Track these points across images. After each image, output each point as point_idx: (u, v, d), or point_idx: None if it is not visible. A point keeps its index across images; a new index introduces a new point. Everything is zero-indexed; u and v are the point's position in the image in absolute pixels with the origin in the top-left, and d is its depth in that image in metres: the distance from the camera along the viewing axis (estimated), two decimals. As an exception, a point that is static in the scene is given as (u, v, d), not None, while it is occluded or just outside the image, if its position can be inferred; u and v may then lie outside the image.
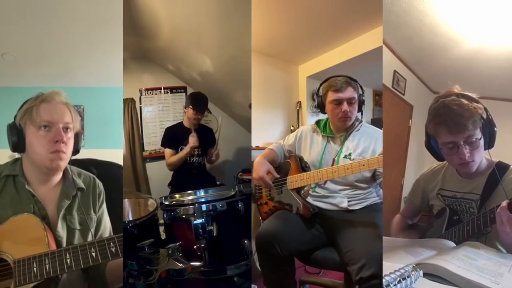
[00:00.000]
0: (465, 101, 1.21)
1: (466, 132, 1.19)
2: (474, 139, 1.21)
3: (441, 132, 1.24)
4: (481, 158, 1.29)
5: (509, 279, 0.89)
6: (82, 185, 1.30)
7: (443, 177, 1.45)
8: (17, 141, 1.20)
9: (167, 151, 2.44)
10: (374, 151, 1.50)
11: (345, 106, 1.52)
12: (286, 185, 1.63)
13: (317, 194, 1.60)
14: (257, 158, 1.69)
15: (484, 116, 1.22)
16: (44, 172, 1.22)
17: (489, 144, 1.25)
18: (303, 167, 1.61)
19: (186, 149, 2.35)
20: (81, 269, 1.10)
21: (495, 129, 1.24)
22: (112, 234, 1.34)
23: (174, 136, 2.45)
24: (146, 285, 1.24)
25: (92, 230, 1.28)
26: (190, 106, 2.38)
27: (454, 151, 1.24)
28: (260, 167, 1.61)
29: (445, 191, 1.43)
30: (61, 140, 1.19)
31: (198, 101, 2.43)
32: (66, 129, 1.22)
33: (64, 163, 1.23)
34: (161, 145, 2.51)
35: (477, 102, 1.23)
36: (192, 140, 2.33)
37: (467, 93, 1.25)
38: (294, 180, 1.60)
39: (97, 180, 1.36)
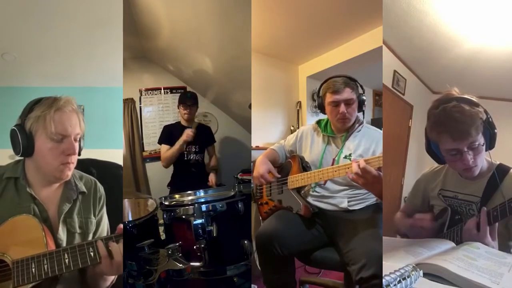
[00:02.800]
0: (466, 107, 1.20)
1: (470, 138, 1.20)
2: (477, 144, 1.21)
3: (444, 140, 1.24)
4: (483, 161, 1.29)
5: (509, 279, 0.89)
6: (83, 188, 1.29)
7: (444, 178, 1.45)
8: (27, 147, 1.17)
9: (163, 147, 2.46)
10: (375, 152, 1.50)
11: (342, 108, 1.51)
12: (287, 184, 1.63)
13: (317, 194, 1.60)
14: (259, 157, 1.70)
15: (484, 118, 1.21)
16: (50, 180, 1.22)
17: (489, 145, 1.25)
18: (304, 166, 1.61)
19: (179, 142, 2.36)
20: (79, 269, 1.10)
21: (495, 130, 1.24)
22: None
23: (170, 133, 2.47)
24: (145, 285, 1.24)
25: (91, 235, 1.27)
26: (179, 104, 2.47)
27: (457, 158, 1.25)
28: (261, 166, 1.63)
29: (446, 192, 1.43)
30: (73, 153, 1.20)
31: (184, 96, 2.51)
32: (76, 140, 1.22)
33: (71, 172, 1.23)
34: (158, 142, 2.53)
35: (477, 105, 1.22)
36: (186, 132, 2.34)
37: (467, 96, 1.24)
38: (295, 179, 1.60)
39: (98, 184, 1.35)
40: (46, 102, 1.19)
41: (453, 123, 1.20)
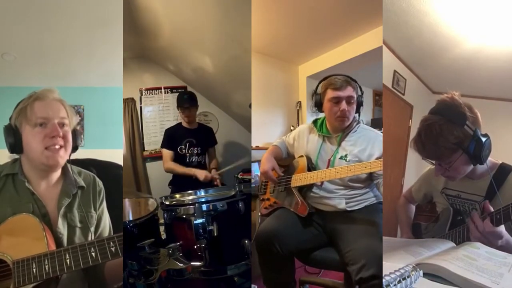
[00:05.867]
0: (439, 130, 1.19)
1: (439, 159, 1.24)
2: (450, 161, 1.22)
3: (418, 153, 1.28)
4: (463, 173, 1.29)
5: (509, 279, 0.89)
6: (82, 183, 1.29)
7: None
8: (14, 142, 1.19)
9: (165, 152, 2.45)
10: (370, 154, 1.49)
11: (343, 105, 1.50)
12: (290, 183, 1.64)
13: (316, 195, 1.59)
14: (265, 154, 1.72)
15: (467, 142, 1.18)
16: (42, 169, 1.22)
17: (478, 163, 1.22)
18: (310, 167, 1.61)
19: (191, 172, 2.36)
20: (81, 269, 1.10)
21: (483, 152, 1.19)
22: (112, 232, 1.35)
23: (172, 137, 2.47)
24: (146, 285, 1.24)
25: (93, 228, 1.27)
26: (178, 107, 2.46)
27: (437, 167, 1.29)
28: (266, 163, 1.65)
29: (449, 190, 1.43)
30: (58, 135, 1.18)
31: (181, 99, 2.47)
32: (62, 124, 1.20)
33: (62, 160, 1.22)
34: (161, 146, 2.52)
35: (463, 121, 1.18)
36: (202, 174, 2.33)
37: (459, 110, 1.20)
38: (298, 178, 1.60)
39: (97, 179, 1.35)
40: (27, 96, 1.22)
41: (420, 143, 1.24)
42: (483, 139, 1.19)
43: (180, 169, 2.39)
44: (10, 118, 1.22)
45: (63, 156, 1.22)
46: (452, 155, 1.20)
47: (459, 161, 1.22)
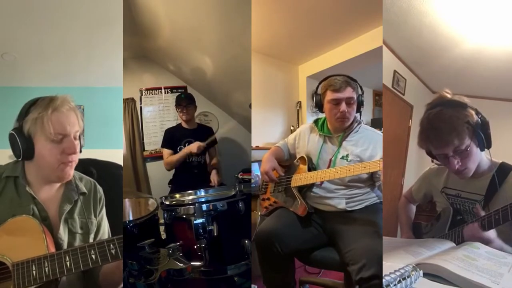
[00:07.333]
0: (448, 113, 1.20)
1: (451, 145, 1.20)
2: (463, 148, 1.20)
3: (428, 147, 1.27)
4: (477, 162, 1.28)
5: (509, 279, 0.90)
6: (84, 189, 1.30)
7: (447, 176, 1.46)
8: (26, 149, 1.16)
9: (165, 151, 2.46)
10: (371, 154, 1.49)
11: (343, 107, 1.51)
12: (290, 183, 1.64)
13: (316, 195, 1.59)
14: (266, 155, 1.72)
15: (474, 120, 1.19)
16: (52, 180, 1.22)
17: (486, 145, 1.23)
18: (310, 168, 1.62)
19: (184, 151, 2.37)
20: (81, 272, 1.10)
21: (489, 131, 1.21)
22: (110, 237, 1.34)
23: (172, 137, 2.48)
24: (146, 285, 1.24)
25: (92, 234, 1.27)
26: (176, 107, 2.47)
27: (446, 161, 1.26)
28: (267, 163, 1.66)
29: (449, 190, 1.43)
30: (74, 152, 1.19)
31: (178, 98, 2.49)
32: (76, 137, 1.21)
33: (73, 171, 1.23)
34: (161, 146, 2.53)
35: (464, 107, 1.21)
36: (197, 145, 2.34)
37: (456, 99, 1.23)
38: (298, 178, 1.60)
39: (98, 185, 1.36)
40: (42, 103, 1.17)
41: (434, 131, 1.22)
42: (485, 119, 1.22)
43: (176, 156, 2.40)
44: (21, 124, 1.17)
45: (73, 167, 1.22)
46: (467, 135, 1.19)
47: (473, 144, 1.21)
